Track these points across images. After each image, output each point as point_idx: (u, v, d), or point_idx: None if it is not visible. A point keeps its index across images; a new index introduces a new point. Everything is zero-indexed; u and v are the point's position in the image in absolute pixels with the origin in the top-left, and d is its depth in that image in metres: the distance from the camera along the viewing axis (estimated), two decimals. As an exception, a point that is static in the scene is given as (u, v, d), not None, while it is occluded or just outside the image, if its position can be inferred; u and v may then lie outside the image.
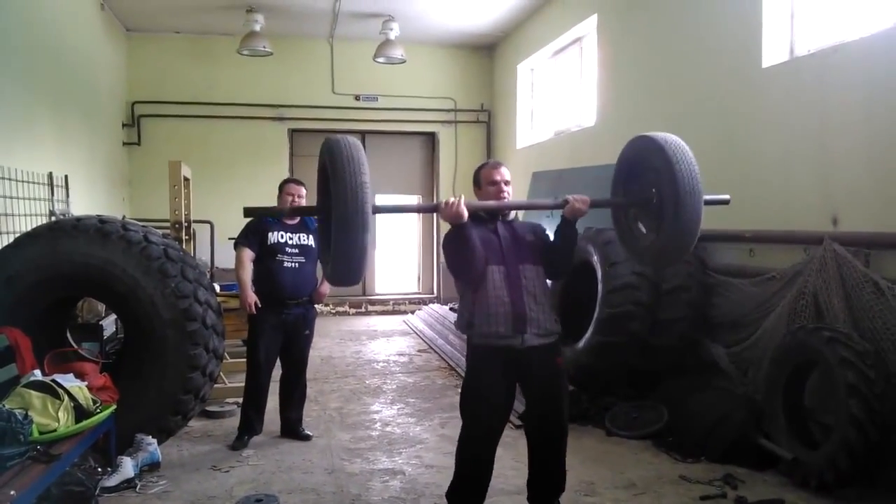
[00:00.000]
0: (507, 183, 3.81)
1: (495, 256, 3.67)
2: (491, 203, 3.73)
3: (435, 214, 12.12)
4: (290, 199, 5.29)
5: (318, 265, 5.12)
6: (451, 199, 3.46)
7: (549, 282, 3.91)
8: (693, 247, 3.49)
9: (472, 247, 3.54)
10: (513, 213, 3.92)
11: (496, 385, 3.68)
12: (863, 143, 4.65)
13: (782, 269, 5.05)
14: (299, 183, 5.41)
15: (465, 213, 3.45)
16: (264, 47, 9.83)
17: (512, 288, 3.65)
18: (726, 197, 3.88)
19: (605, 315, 5.77)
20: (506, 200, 3.77)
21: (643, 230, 3.66)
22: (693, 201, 3.28)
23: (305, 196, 5.37)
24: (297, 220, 5.33)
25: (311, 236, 5.32)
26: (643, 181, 3.56)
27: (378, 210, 3.27)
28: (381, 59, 10.16)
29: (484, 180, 3.84)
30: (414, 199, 12.71)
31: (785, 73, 5.36)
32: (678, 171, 3.28)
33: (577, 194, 3.67)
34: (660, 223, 3.43)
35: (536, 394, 3.79)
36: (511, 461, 4.72)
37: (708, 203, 3.39)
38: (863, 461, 4.07)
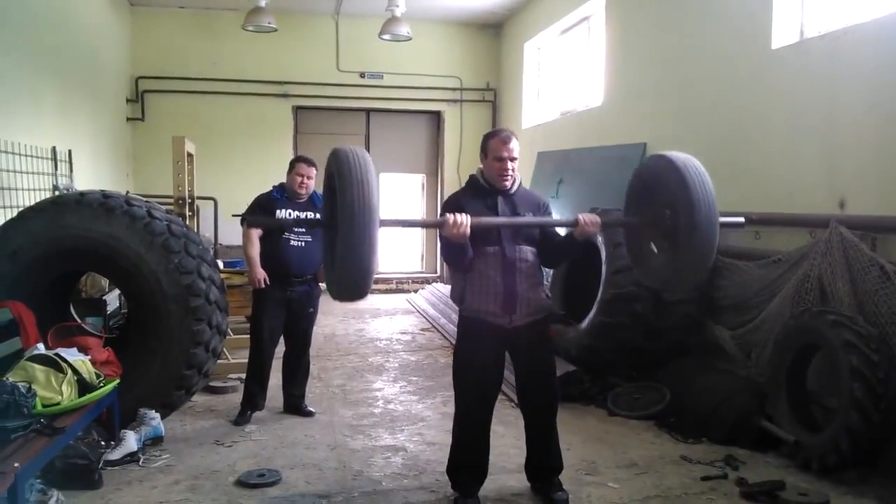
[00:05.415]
0: (513, 160, 3.72)
1: (491, 236, 3.67)
2: (499, 220, 3.62)
3: (438, 195, 12.21)
4: (299, 179, 5.23)
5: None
6: (459, 219, 3.36)
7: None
8: (708, 271, 3.41)
9: (467, 254, 3.55)
10: (516, 184, 3.83)
11: (486, 352, 3.76)
12: (871, 127, 4.61)
13: (788, 252, 5.02)
14: (310, 164, 5.29)
15: (468, 234, 3.41)
16: (269, 23, 9.74)
17: (505, 269, 3.68)
18: (741, 220, 3.86)
19: (609, 296, 5.76)
20: (512, 219, 3.66)
21: (655, 250, 3.59)
22: (709, 226, 3.22)
23: (315, 178, 5.31)
24: (305, 198, 5.30)
25: (318, 215, 5.29)
26: (657, 201, 3.50)
27: (384, 224, 3.19)
28: (386, 37, 10.05)
29: (491, 152, 3.75)
30: (419, 178, 12.68)
31: (795, 54, 5.30)
32: (695, 195, 3.19)
33: (589, 214, 3.61)
34: (674, 246, 3.37)
35: (525, 365, 3.91)
36: (513, 440, 4.74)
37: (722, 226, 3.36)
38: (865, 444, 4.07)
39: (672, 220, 3.36)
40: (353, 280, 3.03)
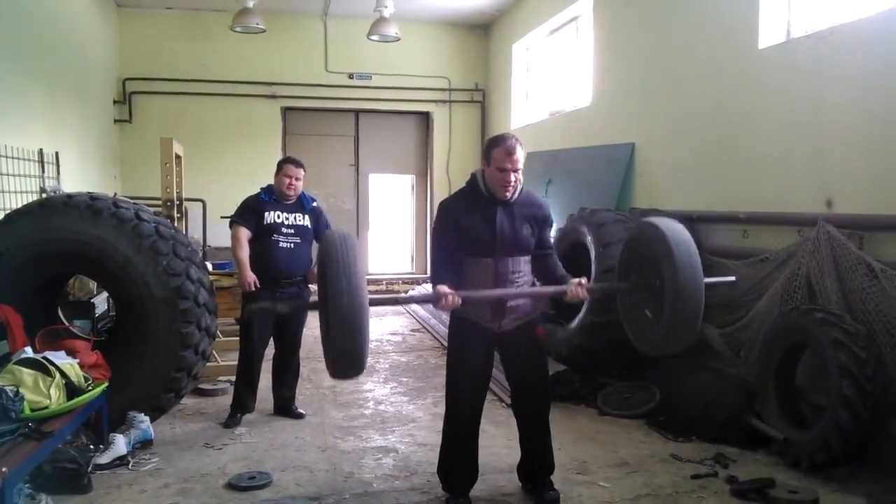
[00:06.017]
0: (517, 171, 3.61)
1: (486, 248, 3.65)
2: (495, 292, 3.63)
3: (428, 195, 12.20)
4: (287, 180, 5.22)
5: (314, 245, 5.12)
6: (450, 301, 3.41)
7: None
8: (697, 333, 3.48)
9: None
10: (517, 192, 3.70)
11: (475, 350, 3.80)
12: (858, 126, 4.63)
13: (776, 251, 5.05)
14: (298, 165, 5.27)
15: (460, 304, 3.47)
16: (257, 24, 9.70)
17: (498, 280, 3.67)
18: (732, 279, 3.98)
19: (598, 295, 5.76)
20: (506, 291, 3.66)
21: (647, 314, 3.62)
22: (693, 292, 3.27)
23: (303, 178, 5.29)
24: (294, 199, 5.29)
25: (306, 216, 5.29)
26: (647, 266, 3.55)
27: (374, 303, 3.27)
28: (375, 37, 10.03)
29: (494, 162, 3.60)
30: (408, 179, 12.66)
31: (781, 54, 5.32)
32: (679, 263, 3.24)
33: (578, 282, 3.61)
34: (660, 315, 3.42)
35: (517, 368, 3.92)
36: (504, 439, 4.75)
37: (711, 286, 3.44)
38: (854, 441, 4.10)
39: (659, 290, 3.40)
40: (348, 362, 3.11)
